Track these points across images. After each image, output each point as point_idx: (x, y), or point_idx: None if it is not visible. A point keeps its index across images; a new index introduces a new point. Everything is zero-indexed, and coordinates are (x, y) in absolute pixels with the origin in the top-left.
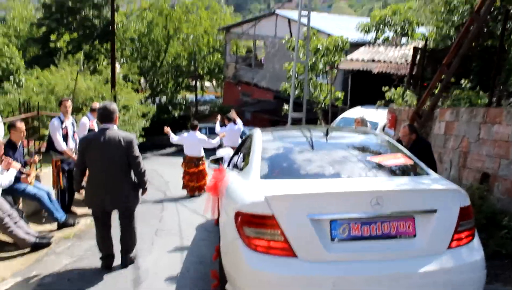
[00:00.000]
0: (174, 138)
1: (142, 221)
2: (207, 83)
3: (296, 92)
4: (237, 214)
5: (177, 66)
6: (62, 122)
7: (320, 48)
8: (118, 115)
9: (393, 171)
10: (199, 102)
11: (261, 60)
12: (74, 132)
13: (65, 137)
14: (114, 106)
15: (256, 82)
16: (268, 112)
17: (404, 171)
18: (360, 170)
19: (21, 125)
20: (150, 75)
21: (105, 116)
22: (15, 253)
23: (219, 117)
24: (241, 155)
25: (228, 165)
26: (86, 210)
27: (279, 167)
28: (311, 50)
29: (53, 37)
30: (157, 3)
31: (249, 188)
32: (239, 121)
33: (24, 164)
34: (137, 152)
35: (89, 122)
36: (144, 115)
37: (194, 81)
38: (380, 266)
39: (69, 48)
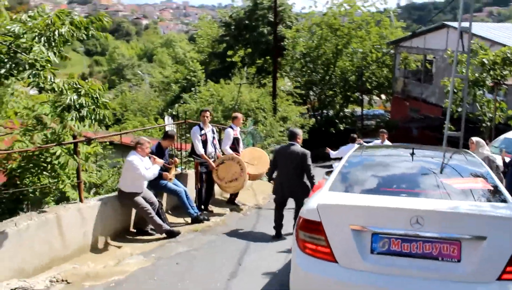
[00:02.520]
0: (333, 153)
1: (269, 223)
2: (375, 98)
3: (460, 109)
4: (298, 219)
5: (345, 80)
6: (201, 129)
7: (487, 62)
8: (300, 136)
9: (464, 195)
10: (367, 116)
11: (431, 75)
12: (213, 138)
13: (205, 143)
14: (298, 130)
15: (424, 97)
16: (434, 129)
17: (478, 196)
18: (426, 190)
19: (175, 137)
20: (319, 88)
21: (291, 136)
22: (151, 237)
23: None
24: None
25: None
26: (221, 210)
27: (349, 182)
28: (477, 63)
29: (229, 52)
30: (327, 20)
31: (315, 198)
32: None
33: (166, 164)
34: (309, 162)
35: (233, 132)
36: (302, 127)
37: (360, 95)
38: (416, 284)
39: (245, 62)
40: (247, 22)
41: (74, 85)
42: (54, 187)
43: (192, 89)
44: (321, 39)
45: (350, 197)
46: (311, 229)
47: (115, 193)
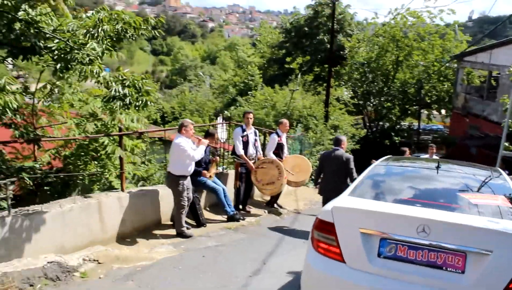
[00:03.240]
0: None
1: (304, 228)
2: (435, 112)
3: None
4: (315, 219)
5: (404, 92)
6: (243, 131)
7: None
8: (344, 142)
9: (479, 210)
10: (424, 131)
11: (494, 92)
12: (255, 140)
13: (246, 144)
14: (342, 137)
15: (485, 115)
16: (493, 148)
17: (494, 212)
18: (441, 202)
19: (216, 136)
20: (376, 99)
21: (336, 142)
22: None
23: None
24: None
25: None
26: (259, 211)
27: (368, 189)
28: None
29: (288, 59)
30: (390, 30)
31: (334, 201)
32: None
33: (207, 162)
34: (352, 165)
35: (278, 138)
36: (352, 137)
37: (419, 109)
38: (415, 289)
39: (303, 69)
40: (307, 29)
41: (120, 78)
42: (101, 175)
43: (249, 93)
44: (381, 50)
45: (364, 203)
46: (325, 229)
47: (155, 186)
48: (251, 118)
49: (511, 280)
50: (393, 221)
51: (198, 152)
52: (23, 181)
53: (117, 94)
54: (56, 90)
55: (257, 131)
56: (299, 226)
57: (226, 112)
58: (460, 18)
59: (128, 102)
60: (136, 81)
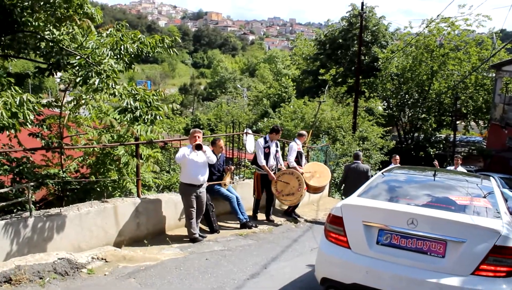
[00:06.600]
0: None
1: (315, 237)
2: (472, 123)
3: None
4: (328, 215)
5: (440, 103)
6: (266, 142)
7: None
8: (361, 156)
9: (462, 209)
10: (461, 143)
11: None
12: (276, 151)
13: (267, 155)
14: (360, 153)
15: None
16: None
17: (475, 211)
18: (433, 202)
19: (219, 143)
20: (411, 111)
21: (356, 157)
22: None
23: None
24: None
25: None
26: (277, 219)
27: (373, 191)
28: None
29: (321, 71)
30: (423, 40)
31: (344, 200)
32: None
33: (222, 171)
34: (370, 174)
35: (297, 147)
36: (381, 149)
37: (454, 120)
38: (407, 270)
39: (336, 81)
40: (341, 41)
41: (132, 92)
42: (119, 182)
43: (282, 104)
44: (415, 60)
45: (367, 201)
46: (335, 222)
47: (171, 193)
48: (278, 136)
49: (481, 262)
50: (389, 216)
51: (212, 156)
52: (48, 187)
53: (129, 106)
54: (83, 102)
55: (278, 143)
56: (311, 235)
57: (259, 123)
58: (509, 27)
59: (138, 114)
60: (146, 96)
